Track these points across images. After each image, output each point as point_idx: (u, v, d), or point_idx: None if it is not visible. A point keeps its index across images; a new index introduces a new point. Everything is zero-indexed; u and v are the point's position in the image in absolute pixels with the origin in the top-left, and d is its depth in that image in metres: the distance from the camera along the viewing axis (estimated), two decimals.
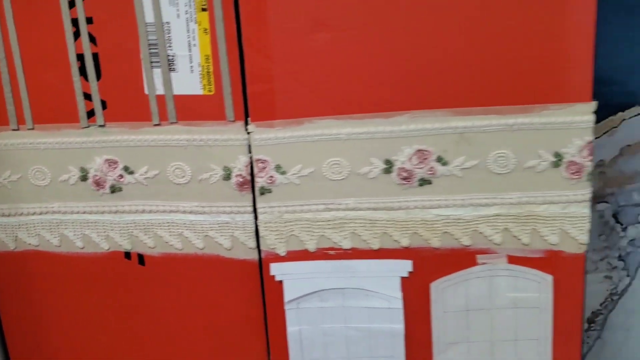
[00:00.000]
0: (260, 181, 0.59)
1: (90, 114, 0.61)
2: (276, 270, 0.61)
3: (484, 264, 0.59)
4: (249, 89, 0.57)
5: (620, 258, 0.94)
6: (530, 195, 0.57)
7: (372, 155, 0.57)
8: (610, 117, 0.87)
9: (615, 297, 0.96)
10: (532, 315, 0.60)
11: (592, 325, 0.94)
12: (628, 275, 0.95)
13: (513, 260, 0.59)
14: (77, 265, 0.65)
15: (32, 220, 0.65)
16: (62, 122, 0.61)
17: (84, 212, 0.64)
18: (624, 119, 0.87)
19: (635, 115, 0.87)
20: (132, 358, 0.68)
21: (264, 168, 0.59)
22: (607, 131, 0.88)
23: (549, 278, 0.59)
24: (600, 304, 0.96)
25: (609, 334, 0.94)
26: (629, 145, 0.89)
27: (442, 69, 0.55)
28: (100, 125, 0.61)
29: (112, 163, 0.62)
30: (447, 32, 0.54)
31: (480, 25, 0.54)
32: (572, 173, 0.56)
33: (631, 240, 0.93)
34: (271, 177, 0.59)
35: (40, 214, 0.64)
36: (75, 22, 0.58)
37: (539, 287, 0.59)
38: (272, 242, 0.61)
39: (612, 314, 0.94)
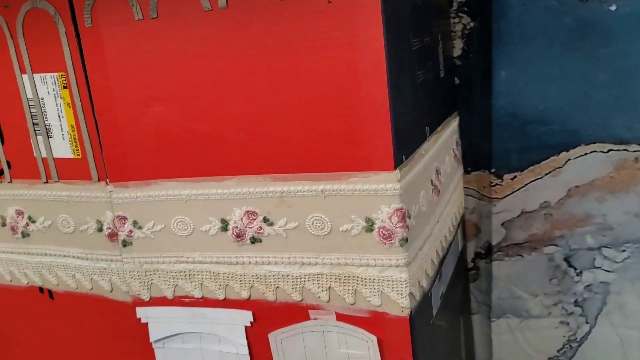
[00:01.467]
0: (121, 234, 0.67)
1: (1, 172, 0.72)
2: (141, 313, 0.68)
3: (315, 319, 0.62)
4: (105, 153, 0.65)
5: (576, 304, 0.89)
6: (349, 257, 0.59)
7: (210, 215, 0.63)
8: (553, 157, 0.84)
9: (574, 344, 0.91)
10: None
11: None
12: (587, 322, 0.90)
13: (341, 318, 0.61)
14: (5, 295, 0.78)
15: None
16: None
17: (7, 252, 0.75)
18: (569, 159, 0.83)
19: (581, 155, 0.83)
20: None
21: (124, 223, 0.66)
22: (551, 172, 0.85)
23: (373, 338, 0.60)
24: (558, 350, 0.92)
25: None
26: (577, 187, 0.84)
27: (260, 138, 0.59)
28: (9, 182, 0.72)
29: (19, 213, 0.73)
30: (266, 105, 0.58)
31: (289, 98, 0.57)
32: (384, 238, 0.57)
33: (587, 285, 0.88)
34: (130, 231, 0.66)
35: None
36: None
37: (367, 346, 0.61)
38: (137, 288, 0.68)
39: None
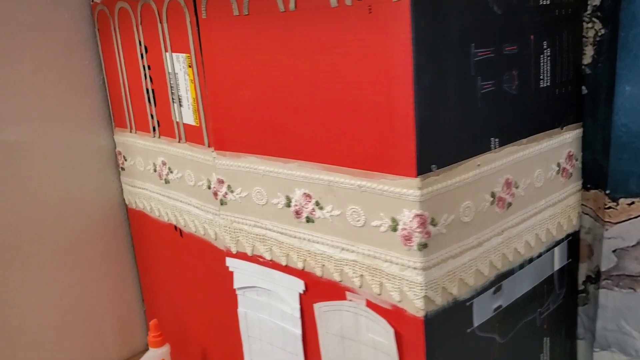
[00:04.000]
0: (219, 194, 0.79)
1: (154, 128, 0.90)
2: (229, 263, 0.81)
3: (350, 300, 0.67)
4: (212, 125, 0.77)
5: None
6: (377, 251, 0.63)
7: (278, 190, 0.71)
8: None
9: None
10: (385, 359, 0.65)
11: None
12: None
13: (370, 305, 0.65)
14: (154, 226, 0.97)
15: (139, 192, 0.99)
16: (145, 131, 0.92)
17: (155, 193, 0.94)
18: None
19: None
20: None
21: (222, 185, 0.78)
22: None
23: (392, 330, 0.63)
24: None
25: None
26: None
27: (314, 129, 0.65)
28: (158, 137, 0.89)
29: (164, 163, 0.90)
30: (317, 101, 0.64)
31: (336, 95, 0.62)
32: (406, 239, 0.60)
33: None
34: (225, 193, 0.78)
35: (141, 188, 0.98)
36: (144, 68, 0.87)
37: (386, 336, 0.64)
38: (228, 241, 0.80)
39: None
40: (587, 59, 0.78)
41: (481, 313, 0.68)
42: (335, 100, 0.62)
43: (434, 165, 0.59)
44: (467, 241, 0.64)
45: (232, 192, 0.77)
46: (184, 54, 0.78)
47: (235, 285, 0.81)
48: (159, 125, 0.89)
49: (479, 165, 0.64)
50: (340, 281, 0.68)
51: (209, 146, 0.79)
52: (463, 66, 0.60)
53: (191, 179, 0.85)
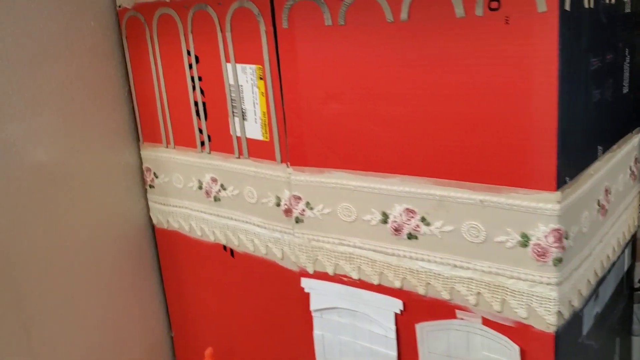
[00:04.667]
0: (295, 212, 0.75)
1: (203, 143, 0.84)
2: (305, 283, 0.76)
3: (462, 319, 0.65)
4: (288, 140, 0.73)
5: None
6: (500, 267, 0.61)
7: (372, 206, 0.68)
8: None
9: None
10: None
11: None
12: None
13: (487, 322, 0.63)
14: (196, 247, 0.91)
15: (174, 210, 0.92)
16: (188, 147, 0.86)
17: (200, 211, 0.88)
18: None
19: None
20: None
21: (298, 202, 0.74)
22: None
23: (516, 348, 0.62)
24: None
25: None
26: None
27: (426, 142, 0.62)
28: (208, 153, 0.83)
29: (214, 180, 0.84)
30: (434, 114, 0.61)
31: (458, 109, 0.59)
32: (538, 255, 0.58)
33: None
34: (303, 210, 0.74)
35: (178, 207, 0.91)
36: (192, 79, 0.81)
37: (509, 353, 0.63)
38: (304, 261, 0.76)
39: None
40: None
41: (588, 321, 0.68)
42: (457, 112, 0.59)
43: (567, 178, 0.58)
44: (583, 252, 0.63)
45: (311, 209, 0.73)
46: (254, 65, 0.73)
47: (312, 307, 0.77)
48: (209, 140, 0.83)
49: (592, 174, 0.63)
50: (450, 299, 0.65)
51: (282, 162, 0.75)
52: (585, 76, 0.60)
53: (252, 195, 0.80)
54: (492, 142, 0.58)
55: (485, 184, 0.60)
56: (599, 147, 0.65)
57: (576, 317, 0.64)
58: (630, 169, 0.77)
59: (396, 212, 0.66)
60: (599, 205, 0.66)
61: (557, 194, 0.56)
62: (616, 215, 0.73)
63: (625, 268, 0.81)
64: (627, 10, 0.70)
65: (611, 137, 0.69)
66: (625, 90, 0.73)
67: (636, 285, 0.88)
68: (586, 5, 0.57)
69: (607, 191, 0.68)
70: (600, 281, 0.70)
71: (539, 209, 0.57)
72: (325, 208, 0.72)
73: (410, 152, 0.64)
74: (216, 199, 0.85)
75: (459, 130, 0.60)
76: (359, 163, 0.68)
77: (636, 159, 0.79)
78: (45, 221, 0.84)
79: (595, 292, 0.69)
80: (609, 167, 0.68)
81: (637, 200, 0.82)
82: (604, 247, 0.69)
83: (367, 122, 0.66)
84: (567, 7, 0.53)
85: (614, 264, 0.75)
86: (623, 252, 0.79)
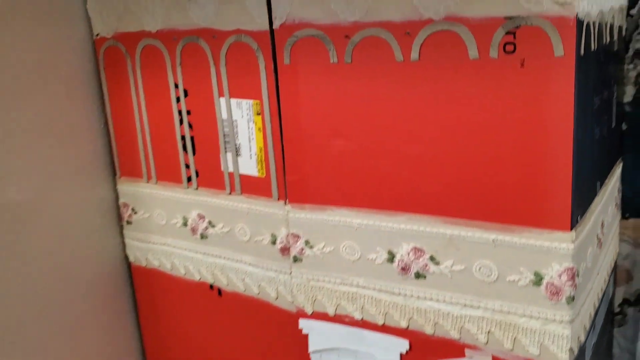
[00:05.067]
0: (293, 250, 0.73)
1: (189, 178, 0.80)
2: (303, 324, 0.74)
3: (471, 357, 0.65)
4: (287, 176, 0.71)
5: None
6: (512, 306, 0.61)
7: (378, 245, 0.67)
8: None
9: None
10: None
11: None
12: None
13: None
14: (178, 286, 0.87)
15: (154, 248, 0.88)
16: (173, 182, 0.82)
17: (185, 249, 0.84)
18: None
19: None
20: None
21: (297, 241, 0.72)
22: None
23: None
24: None
25: None
26: None
27: (436, 181, 0.62)
28: (195, 188, 0.80)
29: (201, 217, 0.81)
30: (445, 152, 0.61)
31: (471, 148, 0.59)
32: (552, 294, 0.59)
33: None
34: (302, 248, 0.72)
35: (159, 244, 0.87)
36: (180, 112, 0.78)
37: None
38: (302, 301, 0.74)
39: None
40: (627, 98, 0.82)
41: (588, 353, 0.69)
42: (469, 150, 0.59)
43: (579, 216, 0.59)
44: (587, 287, 0.64)
45: (311, 247, 0.71)
46: (251, 100, 0.71)
47: (311, 349, 0.75)
48: (197, 175, 0.80)
49: (593, 210, 0.65)
50: (459, 339, 0.65)
51: (279, 198, 0.73)
52: (590, 115, 0.61)
53: (245, 233, 0.77)
54: (505, 181, 0.58)
55: (497, 223, 0.60)
56: (598, 182, 0.67)
57: (581, 351, 0.65)
58: (615, 200, 0.80)
59: (403, 251, 0.65)
60: (597, 239, 0.67)
61: (572, 234, 0.57)
62: (607, 246, 0.75)
63: (610, 294, 0.83)
64: (615, 48, 0.72)
65: (605, 171, 0.71)
66: (613, 124, 0.75)
67: (616, 310, 0.91)
68: (592, 48, 0.59)
69: (602, 224, 0.70)
70: (597, 312, 0.72)
71: (554, 249, 0.57)
72: (327, 246, 0.70)
73: (418, 189, 0.63)
74: (203, 237, 0.82)
75: (470, 168, 0.60)
76: (364, 200, 0.67)
77: (618, 189, 0.82)
78: (13, 263, 0.78)
79: (593, 324, 0.70)
80: (604, 201, 0.70)
81: (618, 228, 0.85)
82: (600, 279, 0.71)
83: (373, 159, 0.65)
84: (582, 52, 0.54)
85: (604, 293, 0.76)
86: (609, 280, 0.81)
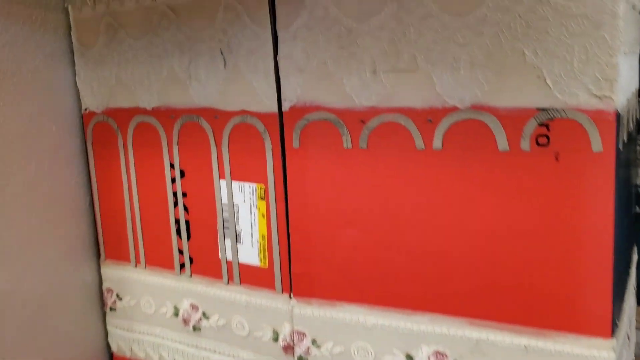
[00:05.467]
0: (298, 350, 0.66)
1: (182, 265, 0.74)
2: None
3: None
4: (293, 268, 0.65)
5: None
6: None
7: (394, 347, 0.61)
8: None
9: None
10: None
11: None
12: None
13: None
14: None
15: (140, 338, 0.80)
16: (164, 267, 0.76)
17: (175, 341, 0.77)
18: None
19: None
20: None
21: (302, 339, 0.66)
22: None
23: None
24: None
25: None
26: None
27: (461, 279, 0.57)
28: (189, 276, 0.74)
29: (194, 307, 0.74)
30: (471, 247, 0.56)
31: (501, 246, 0.55)
32: None
33: None
34: (308, 348, 0.66)
35: (146, 334, 0.80)
36: (175, 194, 0.72)
37: None
38: None
39: None
40: (639, 179, 0.80)
41: None
42: (498, 248, 0.55)
43: (617, 320, 0.54)
44: None
45: (318, 347, 0.65)
46: (255, 184, 0.66)
47: None
48: (191, 262, 0.73)
49: (626, 310, 0.60)
50: None
51: (283, 291, 0.67)
52: (623, 208, 0.57)
53: (243, 328, 0.71)
54: (538, 281, 0.54)
55: (530, 327, 0.55)
56: (625, 277, 0.63)
57: None
58: (633, 287, 0.76)
59: (423, 355, 0.60)
60: (627, 337, 0.63)
61: (613, 341, 0.52)
62: (632, 340, 0.70)
63: None
64: (634, 133, 0.70)
65: (630, 261, 0.67)
66: (636, 209, 0.72)
67: None
68: (625, 141, 0.56)
69: (630, 320, 0.65)
70: None
71: (592, 357, 0.52)
72: (336, 347, 0.64)
73: (441, 287, 0.58)
74: (195, 329, 0.75)
75: (500, 267, 0.55)
76: (378, 297, 0.61)
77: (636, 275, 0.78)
78: None
79: None
80: (627, 295, 0.66)
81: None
82: None
83: (390, 252, 0.60)
84: (621, 146, 0.51)
85: None
86: None
